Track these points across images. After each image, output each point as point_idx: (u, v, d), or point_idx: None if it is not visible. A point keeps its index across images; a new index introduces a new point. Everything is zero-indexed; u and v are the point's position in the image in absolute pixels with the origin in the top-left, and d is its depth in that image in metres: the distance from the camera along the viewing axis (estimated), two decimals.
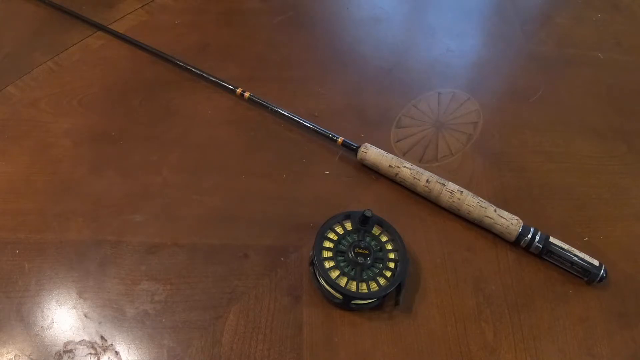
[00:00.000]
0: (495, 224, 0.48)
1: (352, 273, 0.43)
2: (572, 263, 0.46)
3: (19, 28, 0.68)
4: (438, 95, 0.63)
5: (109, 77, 0.62)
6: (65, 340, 0.41)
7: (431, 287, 0.46)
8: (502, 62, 0.70)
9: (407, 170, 0.51)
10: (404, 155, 0.56)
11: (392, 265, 0.44)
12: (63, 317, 0.43)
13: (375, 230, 0.45)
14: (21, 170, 0.52)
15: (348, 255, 0.43)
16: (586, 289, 0.47)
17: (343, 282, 0.42)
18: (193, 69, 0.61)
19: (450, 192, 0.49)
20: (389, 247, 0.45)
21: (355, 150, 0.53)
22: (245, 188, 0.52)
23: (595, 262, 0.46)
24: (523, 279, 0.47)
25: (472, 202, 0.48)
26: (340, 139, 0.54)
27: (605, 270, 0.46)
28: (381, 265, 0.43)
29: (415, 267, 0.47)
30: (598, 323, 0.45)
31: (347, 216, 0.46)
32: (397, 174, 0.51)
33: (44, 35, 0.67)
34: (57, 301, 0.43)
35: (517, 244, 0.48)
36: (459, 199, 0.49)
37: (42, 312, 0.43)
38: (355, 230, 0.45)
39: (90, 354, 0.41)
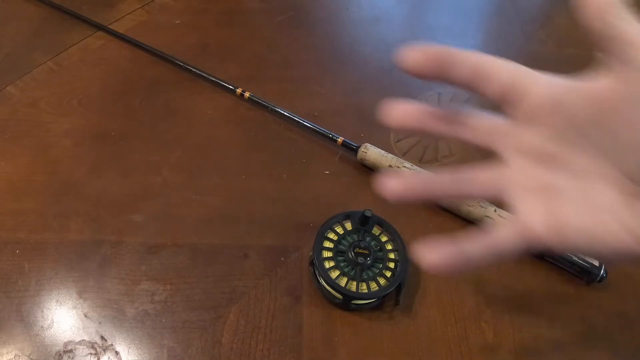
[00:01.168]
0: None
1: (352, 273, 0.43)
2: (572, 263, 0.46)
3: (19, 28, 0.68)
4: (438, 95, 0.63)
5: (109, 77, 0.62)
6: (65, 340, 0.41)
7: (431, 287, 0.46)
8: None
9: (407, 170, 0.51)
10: (404, 155, 0.56)
11: (392, 265, 0.44)
12: (63, 317, 0.43)
13: (375, 230, 0.45)
14: (21, 170, 0.52)
15: (348, 255, 0.43)
16: (586, 289, 0.47)
17: (343, 282, 0.42)
18: (193, 69, 0.61)
19: None
20: (389, 247, 0.45)
21: (355, 150, 0.53)
22: (245, 188, 0.52)
23: (595, 262, 0.46)
24: (523, 279, 0.47)
25: (472, 202, 0.48)
26: (340, 139, 0.54)
27: (605, 270, 0.46)
28: (381, 265, 0.43)
29: (415, 267, 0.47)
30: (598, 323, 0.45)
31: (347, 216, 0.46)
32: None
33: (44, 35, 0.67)
34: (57, 301, 0.43)
35: None
36: None
37: (42, 312, 0.43)
38: (355, 230, 0.45)
39: (90, 354, 0.41)
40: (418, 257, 0.24)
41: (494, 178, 0.26)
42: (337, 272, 0.43)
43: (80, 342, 0.41)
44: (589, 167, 0.24)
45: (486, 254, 0.24)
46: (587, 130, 0.23)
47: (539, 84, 0.24)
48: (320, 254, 0.43)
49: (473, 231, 0.24)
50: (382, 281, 0.43)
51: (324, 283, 0.43)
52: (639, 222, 0.22)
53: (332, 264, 0.43)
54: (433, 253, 0.24)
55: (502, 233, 0.24)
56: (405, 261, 0.43)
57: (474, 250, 0.24)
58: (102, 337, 0.42)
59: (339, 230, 0.45)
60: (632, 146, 0.22)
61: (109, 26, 0.68)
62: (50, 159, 0.53)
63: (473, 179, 0.26)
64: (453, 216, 0.50)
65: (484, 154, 0.26)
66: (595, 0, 0.22)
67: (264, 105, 0.58)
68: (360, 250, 0.43)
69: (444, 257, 0.24)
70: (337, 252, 0.44)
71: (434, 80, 0.25)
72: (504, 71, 0.24)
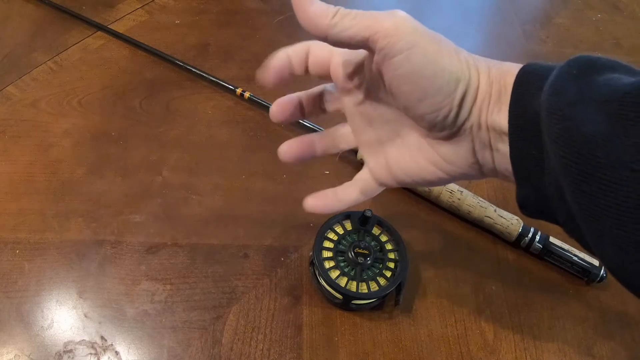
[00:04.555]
0: (495, 224, 0.48)
1: (352, 273, 0.43)
2: (572, 263, 0.46)
3: (19, 28, 0.68)
4: None
5: (109, 77, 0.62)
6: (65, 340, 0.41)
7: (431, 287, 0.46)
8: None
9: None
10: None
11: (392, 265, 0.44)
12: (63, 317, 0.43)
13: (375, 230, 0.45)
14: (21, 170, 0.52)
15: (348, 255, 0.43)
16: (586, 289, 0.47)
17: (343, 282, 0.42)
18: (193, 69, 0.61)
19: (450, 192, 0.49)
20: (389, 247, 0.45)
21: (355, 151, 0.53)
22: (245, 188, 0.52)
23: (595, 262, 0.46)
24: (523, 279, 0.47)
25: (472, 202, 0.48)
26: None
27: (605, 270, 0.46)
28: (381, 266, 0.43)
29: (415, 267, 0.47)
30: (598, 323, 0.45)
31: (347, 216, 0.46)
32: None
33: (44, 35, 0.67)
34: (57, 301, 0.43)
35: (517, 244, 0.48)
36: (459, 199, 0.49)
37: (42, 312, 0.43)
38: (355, 230, 0.45)
39: (90, 354, 0.41)
40: (308, 207, 0.36)
41: (349, 135, 0.34)
42: (337, 272, 0.43)
43: (80, 342, 0.41)
44: (397, 118, 0.30)
45: (358, 197, 0.34)
46: (382, 93, 0.30)
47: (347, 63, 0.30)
48: (320, 254, 0.43)
49: (345, 182, 0.35)
50: (382, 281, 0.43)
51: (324, 283, 0.43)
52: (434, 153, 0.29)
53: (332, 264, 0.43)
54: (319, 203, 0.35)
55: (364, 181, 0.34)
56: (405, 261, 0.43)
57: (349, 197, 0.35)
58: (102, 337, 0.42)
59: (339, 230, 0.45)
60: (406, 105, 0.28)
61: (109, 26, 0.68)
62: (50, 159, 0.53)
63: (338, 134, 0.35)
64: (453, 216, 0.50)
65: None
66: (307, 22, 0.26)
67: (264, 105, 0.58)
68: (360, 250, 0.43)
69: (328, 205, 0.35)
70: (337, 252, 0.44)
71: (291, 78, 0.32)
72: (324, 55, 0.31)
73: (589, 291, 0.47)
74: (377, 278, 0.43)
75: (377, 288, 0.42)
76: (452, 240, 0.49)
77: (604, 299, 0.46)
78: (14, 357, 0.40)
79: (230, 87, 0.59)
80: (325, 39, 0.27)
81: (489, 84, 0.27)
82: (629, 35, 0.74)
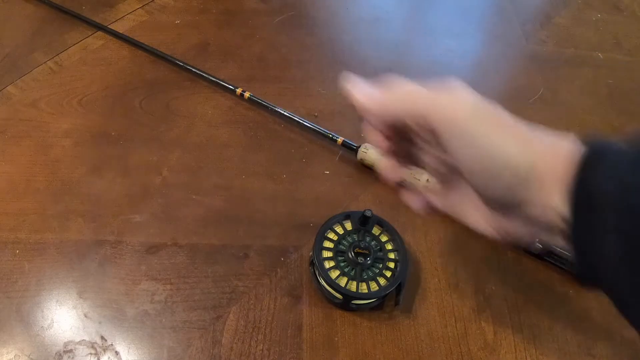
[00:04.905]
0: None
1: (352, 273, 0.43)
2: (573, 263, 0.46)
3: (19, 28, 0.68)
4: None
5: (109, 77, 0.62)
6: (65, 340, 0.41)
7: (431, 287, 0.46)
8: (502, 62, 0.70)
9: (407, 170, 0.50)
10: None
11: (392, 265, 0.44)
12: (63, 317, 0.43)
13: (375, 230, 0.45)
14: (21, 170, 0.52)
15: (348, 255, 0.43)
16: (586, 289, 0.47)
17: (343, 282, 0.42)
18: (193, 69, 0.61)
19: None
20: (389, 247, 0.45)
21: (355, 150, 0.53)
22: (245, 188, 0.52)
23: None
24: (523, 279, 0.47)
25: None
26: (340, 139, 0.54)
27: None
28: (381, 265, 0.43)
29: (415, 267, 0.47)
30: (598, 323, 0.45)
31: (347, 216, 0.46)
32: None
33: (44, 35, 0.67)
34: (57, 301, 0.43)
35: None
36: None
37: (42, 312, 0.43)
38: (355, 230, 0.45)
39: (90, 354, 0.41)
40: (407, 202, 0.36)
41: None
42: (337, 272, 0.43)
43: (80, 342, 0.41)
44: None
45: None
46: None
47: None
48: (320, 254, 0.43)
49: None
50: (382, 281, 0.43)
51: (324, 283, 0.43)
52: (493, 219, 0.29)
53: (332, 264, 0.43)
54: (415, 201, 0.36)
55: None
56: (405, 261, 0.43)
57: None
58: (102, 337, 0.42)
59: (339, 230, 0.45)
60: (466, 177, 0.27)
61: (109, 26, 0.68)
62: (50, 159, 0.53)
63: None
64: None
65: None
66: (359, 106, 0.29)
67: (264, 105, 0.58)
68: (360, 250, 0.43)
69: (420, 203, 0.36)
70: (337, 252, 0.44)
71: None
72: None
73: (589, 291, 0.46)
74: (377, 278, 0.43)
75: (377, 288, 0.42)
76: (452, 240, 0.49)
77: (604, 299, 0.46)
78: (14, 357, 0.40)
79: (230, 87, 0.59)
80: (382, 118, 0.27)
81: (550, 166, 0.25)
82: (629, 35, 0.74)
